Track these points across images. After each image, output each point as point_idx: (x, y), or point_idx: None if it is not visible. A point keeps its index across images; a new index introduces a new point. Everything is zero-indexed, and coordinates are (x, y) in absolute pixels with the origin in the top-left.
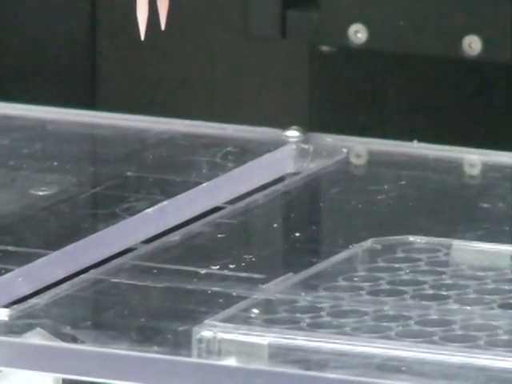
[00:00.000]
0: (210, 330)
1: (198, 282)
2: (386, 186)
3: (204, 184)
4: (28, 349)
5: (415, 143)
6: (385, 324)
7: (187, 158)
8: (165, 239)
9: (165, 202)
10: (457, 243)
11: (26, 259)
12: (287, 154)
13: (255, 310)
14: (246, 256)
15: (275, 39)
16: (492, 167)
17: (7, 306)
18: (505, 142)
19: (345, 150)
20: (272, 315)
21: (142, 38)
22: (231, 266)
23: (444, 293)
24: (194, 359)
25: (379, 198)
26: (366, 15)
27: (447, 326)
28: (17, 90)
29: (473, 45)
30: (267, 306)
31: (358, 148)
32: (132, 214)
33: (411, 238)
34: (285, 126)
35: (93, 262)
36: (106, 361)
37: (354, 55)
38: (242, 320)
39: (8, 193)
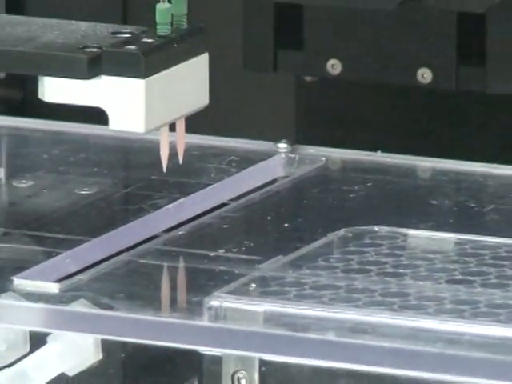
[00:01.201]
0: (217, 300)
1: (208, 262)
2: (356, 187)
3: (213, 185)
4: (74, 315)
5: (379, 153)
6: (355, 295)
7: (199, 164)
8: (182, 229)
9: (181, 200)
10: (412, 232)
11: (72, 244)
12: (278, 162)
13: (253, 285)
14: (245, 242)
15: (269, 72)
16: (439, 172)
17: (57, 281)
18: (449, 151)
19: (323, 159)
20: (266, 288)
21: (164, 170)
22: (234, 250)
23: (401, 271)
24: (205, 323)
25: (351, 196)
26: (340, 53)
27: (404, 297)
28: (64, 111)
29: (425, 75)
30: (262, 282)
31: (334, 157)
32: (156, 209)
33: (376, 228)
34: (276, 140)
35: (125, 247)
36: (135, 324)
37: (331, 84)
38: (243, 292)
39: (58, 192)
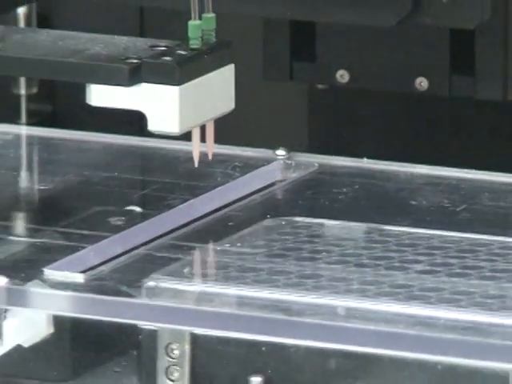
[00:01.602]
0: (154, 281)
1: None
2: (344, 189)
3: (219, 188)
4: (98, 301)
5: (365, 160)
6: (274, 277)
7: (207, 169)
8: (192, 226)
9: (191, 200)
10: (327, 222)
11: (95, 240)
12: (276, 167)
13: (186, 268)
14: (247, 237)
15: (285, 81)
16: (417, 176)
17: (83, 272)
18: (425, 158)
19: (316, 165)
20: (198, 271)
21: (196, 165)
22: (238, 244)
23: (316, 256)
24: (142, 300)
25: (340, 197)
26: (348, 64)
27: (317, 278)
28: (87, 123)
29: (422, 83)
30: (194, 265)
31: (326, 163)
32: (170, 209)
33: (296, 218)
34: (275, 147)
35: (142, 242)
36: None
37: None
38: (177, 274)
39: (83, 193)
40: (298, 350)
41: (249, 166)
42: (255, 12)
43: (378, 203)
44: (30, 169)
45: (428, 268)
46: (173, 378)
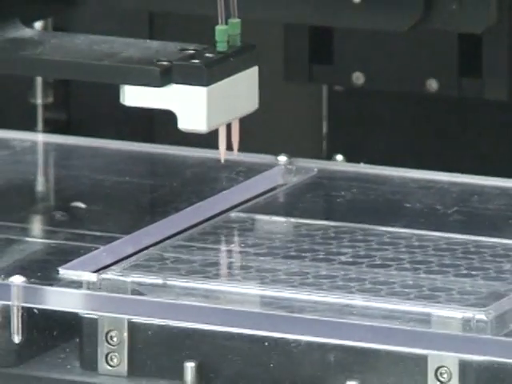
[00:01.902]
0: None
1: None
2: (342, 193)
3: (224, 191)
4: (109, 299)
5: (362, 164)
6: (208, 268)
7: (214, 174)
8: (199, 228)
9: (198, 203)
10: (259, 217)
11: (108, 241)
12: (278, 172)
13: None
14: (251, 238)
15: (305, 82)
16: (412, 180)
17: (96, 271)
18: (418, 162)
19: (316, 169)
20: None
21: (222, 161)
22: (242, 245)
23: (247, 249)
24: (83, 291)
25: (338, 200)
26: (363, 67)
27: (273, 272)
28: (100, 131)
29: (432, 85)
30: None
31: (325, 168)
32: (177, 211)
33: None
34: (276, 153)
35: (151, 243)
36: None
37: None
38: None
39: (95, 196)
40: (230, 337)
41: (252, 170)
42: (276, 18)
43: (375, 205)
44: (45, 173)
45: (408, 266)
46: (112, 363)
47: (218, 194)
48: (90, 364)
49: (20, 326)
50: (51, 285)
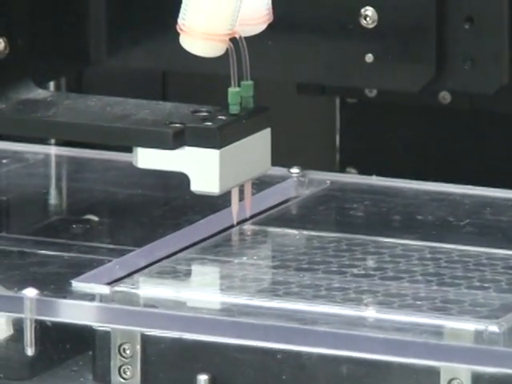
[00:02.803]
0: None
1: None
2: (355, 205)
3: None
4: (122, 311)
5: (374, 177)
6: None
7: None
8: (211, 241)
9: (211, 216)
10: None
11: (120, 253)
12: (291, 184)
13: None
14: (264, 250)
15: (318, 95)
16: (424, 193)
17: (108, 284)
18: (430, 175)
19: (328, 182)
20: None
21: (235, 223)
22: (255, 257)
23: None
24: (96, 303)
25: (351, 212)
26: None
27: (285, 284)
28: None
29: (445, 97)
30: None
31: (337, 180)
32: (190, 224)
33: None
34: (289, 166)
35: (164, 256)
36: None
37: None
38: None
39: (108, 208)
40: (243, 350)
41: (266, 183)
42: (289, 78)
43: (387, 218)
44: (58, 186)
45: (420, 278)
46: (125, 376)
47: (230, 206)
48: (102, 377)
49: (33, 338)
50: (64, 297)
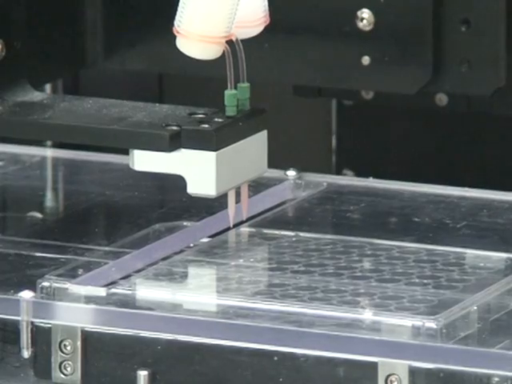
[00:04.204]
0: (47, 281)
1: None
2: (351, 207)
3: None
4: (118, 313)
5: (371, 179)
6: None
7: None
8: (208, 243)
9: (208, 218)
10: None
11: (117, 255)
12: (287, 187)
13: (80, 270)
14: (260, 253)
15: (315, 97)
16: (421, 195)
17: (105, 286)
18: (427, 177)
19: (325, 184)
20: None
21: (231, 225)
22: (251, 260)
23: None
24: (37, 299)
25: (347, 215)
26: None
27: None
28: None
29: (442, 99)
30: (85, 266)
31: (333, 182)
32: (187, 226)
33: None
34: (286, 168)
35: (160, 258)
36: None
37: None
38: (70, 275)
39: (105, 210)
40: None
41: (262, 185)
42: (286, 81)
43: (383, 220)
44: (54, 188)
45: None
46: (66, 372)
47: (227, 208)
48: (43, 373)
49: (29, 341)
50: (60, 300)
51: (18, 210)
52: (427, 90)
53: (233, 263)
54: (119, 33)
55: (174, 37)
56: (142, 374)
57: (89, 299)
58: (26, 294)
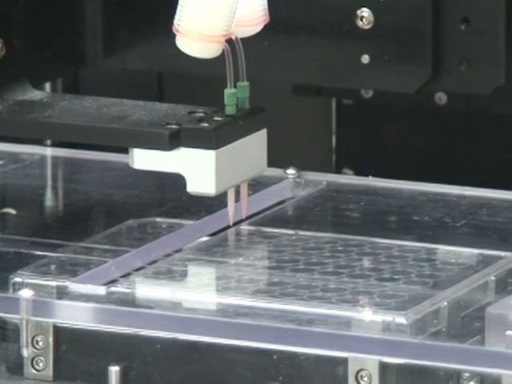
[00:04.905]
0: (20, 277)
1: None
2: (351, 206)
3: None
4: (118, 312)
5: (371, 178)
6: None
7: None
8: (207, 241)
9: (207, 216)
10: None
11: (116, 254)
12: (287, 185)
13: (53, 266)
14: (260, 251)
15: (314, 96)
16: (420, 194)
17: (104, 284)
18: (426, 176)
19: (324, 183)
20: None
21: (231, 224)
22: (251, 258)
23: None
24: (9, 294)
25: (347, 213)
26: None
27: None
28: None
29: (441, 98)
30: (58, 262)
31: (333, 181)
32: (186, 224)
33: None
34: (285, 167)
35: (159, 256)
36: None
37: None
38: (42, 271)
39: (105, 208)
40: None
41: (262, 184)
42: (286, 80)
43: (383, 218)
44: (54, 187)
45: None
46: (38, 368)
47: (226, 207)
48: (15, 368)
49: (29, 339)
50: (60, 298)
51: (17, 209)
52: (427, 88)
53: (232, 262)
54: (119, 32)
55: (174, 36)
56: (114, 370)
57: (89, 298)
58: (26, 293)
